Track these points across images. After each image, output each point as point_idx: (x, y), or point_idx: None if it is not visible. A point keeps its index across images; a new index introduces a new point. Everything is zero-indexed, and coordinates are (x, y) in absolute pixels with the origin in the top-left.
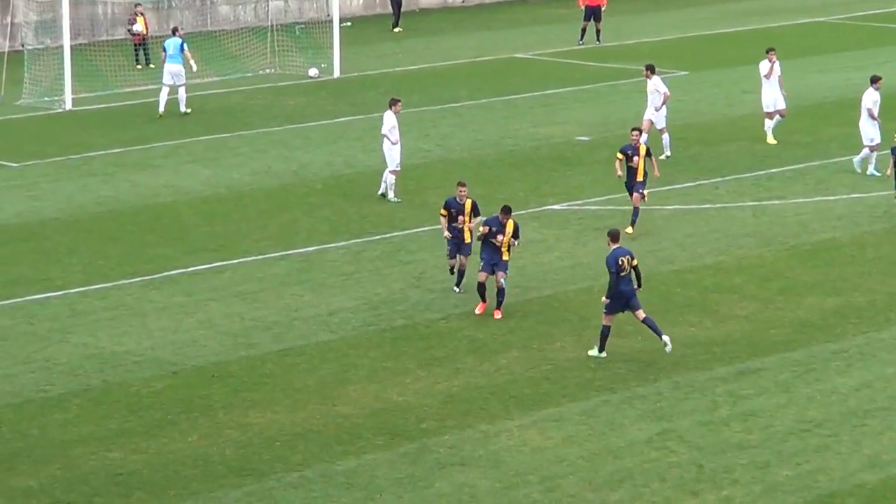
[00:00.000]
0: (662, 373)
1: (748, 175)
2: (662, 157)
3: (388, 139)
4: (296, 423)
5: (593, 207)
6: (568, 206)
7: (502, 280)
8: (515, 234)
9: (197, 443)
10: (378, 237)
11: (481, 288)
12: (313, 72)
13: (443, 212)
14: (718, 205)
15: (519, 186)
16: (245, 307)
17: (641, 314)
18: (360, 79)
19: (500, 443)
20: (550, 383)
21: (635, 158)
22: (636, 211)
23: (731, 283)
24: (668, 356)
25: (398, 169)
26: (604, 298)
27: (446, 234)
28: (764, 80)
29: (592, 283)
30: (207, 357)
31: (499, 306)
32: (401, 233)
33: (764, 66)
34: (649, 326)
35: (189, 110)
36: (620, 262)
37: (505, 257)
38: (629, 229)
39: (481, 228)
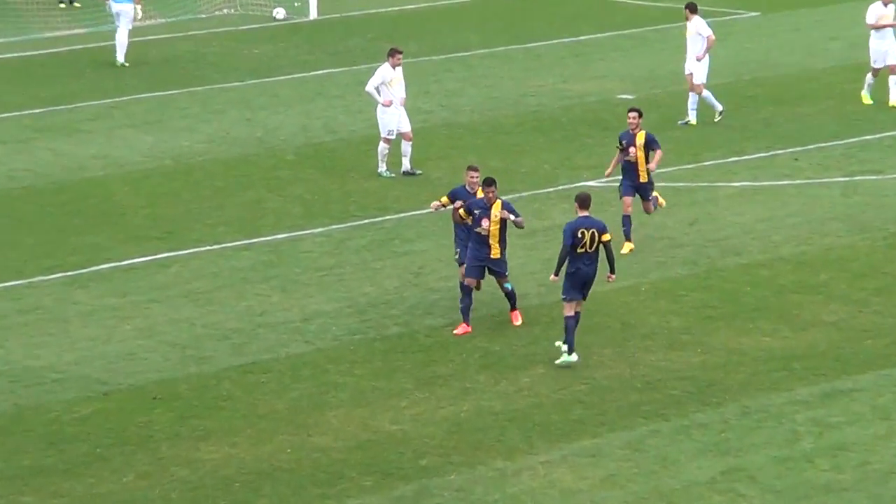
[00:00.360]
0: (728, 394)
1: (836, 143)
2: (717, 117)
3: (376, 99)
4: (260, 458)
5: None
6: (607, 182)
7: (507, 286)
8: (509, 211)
9: (133, 484)
10: (366, 221)
11: (466, 296)
12: (280, 13)
13: (444, 199)
14: (798, 181)
15: (545, 157)
16: (196, 310)
17: (579, 308)
18: (342, 21)
19: (522, 484)
20: (585, 408)
21: (631, 150)
22: (628, 219)
23: (814, 281)
24: (735, 374)
25: (392, 137)
26: (552, 277)
27: (435, 204)
28: (872, 29)
29: (639, 279)
30: (148, 374)
31: (514, 308)
32: (395, 216)
33: (875, 10)
34: (567, 328)
35: (127, 63)
36: (580, 235)
37: (496, 252)
38: (626, 248)
39: (461, 212)
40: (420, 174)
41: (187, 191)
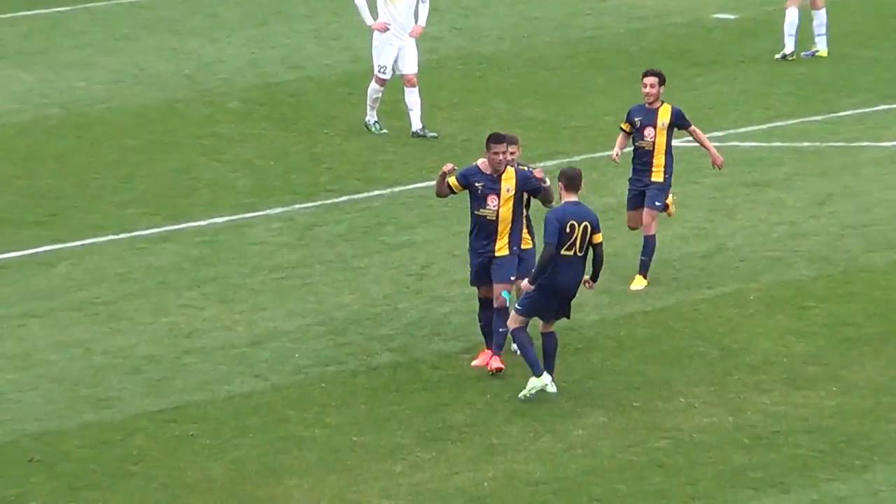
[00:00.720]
0: (878, 454)
1: None
2: (778, 55)
3: (362, 17)
4: None
5: (745, 144)
6: (689, 142)
7: (504, 294)
8: (529, 188)
9: None
10: (344, 199)
11: (486, 309)
12: None
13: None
14: None
15: (605, 105)
16: (94, 329)
17: (549, 328)
18: None
19: None
20: (667, 475)
21: (648, 131)
22: (648, 245)
23: None
24: (889, 423)
25: (386, 77)
26: (524, 283)
27: (446, 173)
28: None
29: (746, 284)
30: (22, 424)
31: (497, 349)
32: (386, 191)
33: None
34: (545, 351)
35: None
36: (569, 229)
37: (501, 247)
38: (638, 284)
39: (451, 181)
40: (435, 137)
41: (82, 154)
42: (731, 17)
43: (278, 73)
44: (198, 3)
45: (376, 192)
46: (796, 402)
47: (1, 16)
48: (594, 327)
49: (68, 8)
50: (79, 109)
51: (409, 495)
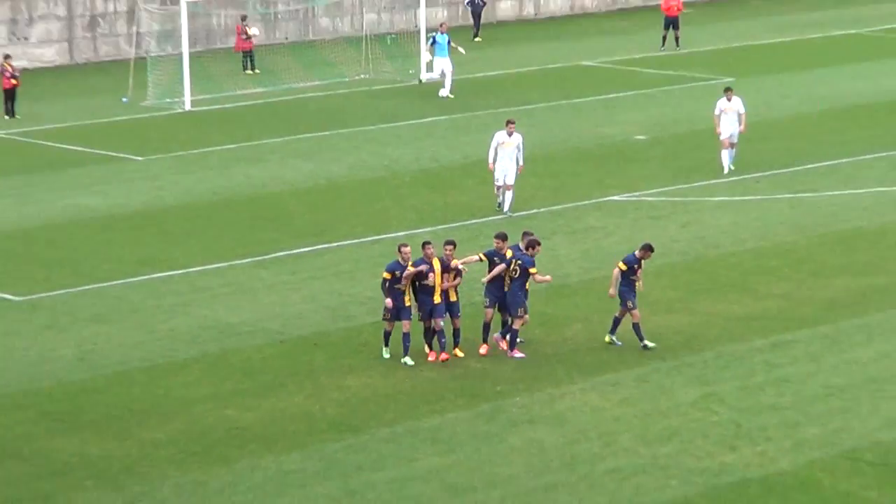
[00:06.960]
0: (707, 344)
1: (785, 171)
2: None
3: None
4: (388, 385)
5: (650, 199)
6: (627, 196)
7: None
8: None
9: (302, 402)
10: (459, 224)
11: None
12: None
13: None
14: (759, 196)
15: (584, 179)
16: (343, 284)
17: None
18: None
19: (565, 404)
20: (609, 353)
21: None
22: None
23: (768, 266)
24: (712, 329)
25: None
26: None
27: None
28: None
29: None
30: (310, 328)
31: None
32: (480, 220)
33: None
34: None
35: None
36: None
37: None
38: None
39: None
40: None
41: (336, 201)
42: (644, 137)
43: (428, 163)
44: (390, 130)
45: (475, 220)
46: (667, 322)
47: (298, 136)
48: (577, 284)
49: (328, 133)
50: (334, 180)
51: (489, 362)
